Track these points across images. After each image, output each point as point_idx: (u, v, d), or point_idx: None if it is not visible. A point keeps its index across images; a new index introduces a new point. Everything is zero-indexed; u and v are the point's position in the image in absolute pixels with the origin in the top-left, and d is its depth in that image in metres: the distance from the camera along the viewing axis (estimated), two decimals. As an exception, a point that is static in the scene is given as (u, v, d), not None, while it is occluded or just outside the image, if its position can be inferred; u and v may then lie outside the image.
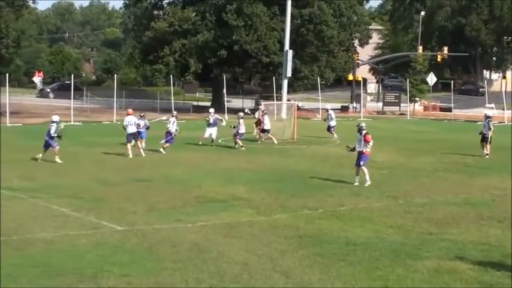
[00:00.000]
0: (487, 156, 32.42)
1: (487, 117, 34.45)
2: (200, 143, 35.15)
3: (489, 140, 32.94)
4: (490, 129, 33.24)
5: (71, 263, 13.14)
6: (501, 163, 30.61)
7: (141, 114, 34.50)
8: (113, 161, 28.83)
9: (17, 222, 16.40)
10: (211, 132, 35.65)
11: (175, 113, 36.18)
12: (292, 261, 13.59)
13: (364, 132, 23.92)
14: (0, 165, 25.22)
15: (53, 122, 28.73)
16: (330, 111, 42.65)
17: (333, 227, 16.74)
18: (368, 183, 23.35)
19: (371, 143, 23.79)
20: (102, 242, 14.91)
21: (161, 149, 32.15)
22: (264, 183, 23.62)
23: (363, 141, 23.76)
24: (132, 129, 31.24)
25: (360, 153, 23.77)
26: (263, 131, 37.81)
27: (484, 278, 12.77)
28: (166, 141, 32.71)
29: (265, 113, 38.55)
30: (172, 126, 33.75)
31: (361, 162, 23.69)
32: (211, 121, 35.92)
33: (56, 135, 28.50)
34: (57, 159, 28.09)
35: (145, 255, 13.93)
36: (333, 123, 41.57)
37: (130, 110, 33.62)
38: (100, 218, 17.23)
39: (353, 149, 24.40)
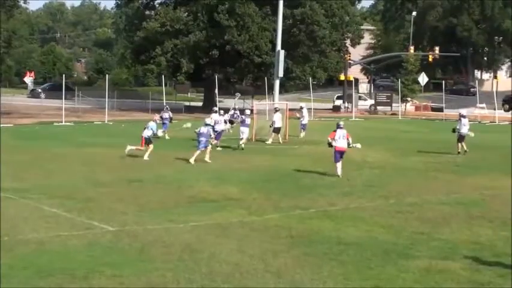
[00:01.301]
0: (465, 154, 32.66)
1: (463, 116, 34.80)
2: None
3: (460, 137, 33.62)
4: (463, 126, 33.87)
5: (62, 264, 13.12)
6: (491, 163, 30.71)
7: (166, 107, 40.78)
8: (105, 162, 28.77)
9: (8, 223, 16.36)
10: (244, 131, 35.17)
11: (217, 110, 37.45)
12: (283, 261, 13.60)
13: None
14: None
15: (206, 124, 29.84)
16: (303, 109, 42.69)
17: (325, 227, 16.76)
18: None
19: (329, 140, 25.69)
20: (94, 242, 14.89)
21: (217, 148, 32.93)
22: (256, 183, 23.63)
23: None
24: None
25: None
26: (275, 130, 37.99)
27: (475, 278, 12.81)
28: (216, 138, 32.94)
29: (277, 110, 38.72)
30: (220, 125, 34.68)
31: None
32: (239, 120, 35.73)
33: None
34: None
35: (137, 255, 13.92)
36: (304, 121, 41.79)
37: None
38: (91, 218, 17.21)
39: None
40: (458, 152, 33.11)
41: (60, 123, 48.55)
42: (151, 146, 30.25)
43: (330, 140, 25.72)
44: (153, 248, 14.48)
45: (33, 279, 12.24)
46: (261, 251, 14.33)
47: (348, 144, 26.01)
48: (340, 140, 25.47)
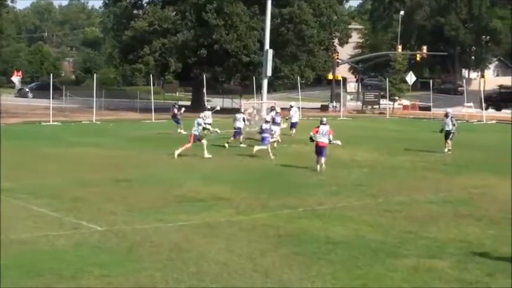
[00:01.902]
0: (449, 152, 32.83)
1: (446, 115, 35.05)
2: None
3: (451, 137, 33.70)
4: (454, 125, 34.09)
5: (50, 264, 13.09)
6: (479, 162, 30.81)
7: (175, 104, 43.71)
8: (93, 161, 28.71)
9: (-3, 223, 16.30)
10: (276, 130, 35.17)
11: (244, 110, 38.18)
12: (272, 261, 13.61)
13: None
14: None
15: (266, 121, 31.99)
16: (292, 108, 42.50)
17: (313, 226, 16.79)
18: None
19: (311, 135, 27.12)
20: (82, 242, 14.86)
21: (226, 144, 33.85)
22: (245, 182, 23.63)
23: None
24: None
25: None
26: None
27: (462, 276, 12.86)
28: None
29: (273, 109, 38.68)
30: (240, 123, 35.18)
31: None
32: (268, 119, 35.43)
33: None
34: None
35: (125, 255, 13.90)
36: (293, 119, 41.73)
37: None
38: (80, 218, 17.17)
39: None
40: (449, 150, 33.23)
41: (48, 123, 48.40)
42: (204, 142, 30.90)
43: (312, 135, 26.95)
44: (142, 247, 14.46)
45: (22, 279, 12.20)
46: (249, 251, 14.34)
47: (329, 140, 26.95)
48: (321, 136, 26.63)
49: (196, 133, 30.85)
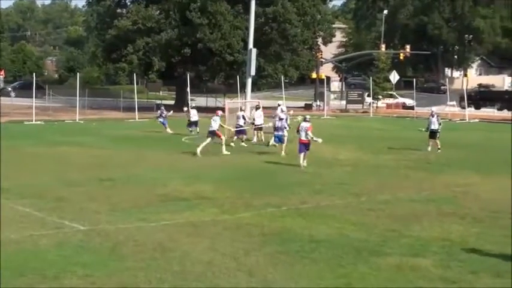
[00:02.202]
0: (439, 151, 32.98)
1: (432, 114, 35.26)
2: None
3: (438, 136, 34.02)
4: (439, 124, 34.38)
5: (33, 264, 13.00)
6: (462, 160, 30.93)
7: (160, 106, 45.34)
8: (76, 161, 28.60)
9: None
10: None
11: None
12: (256, 260, 13.59)
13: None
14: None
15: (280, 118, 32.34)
16: (278, 108, 41.83)
17: (297, 225, 16.78)
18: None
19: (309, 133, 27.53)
20: (65, 241, 14.79)
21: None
22: (229, 181, 23.60)
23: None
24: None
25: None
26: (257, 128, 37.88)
27: (446, 274, 12.88)
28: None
29: (258, 108, 38.57)
30: (241, 120, 35.87)
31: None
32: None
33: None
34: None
35: (108, 255, 13.84)
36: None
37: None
38: (63, 217, 17.07)
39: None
40: (439, 149, 33.35)
41: (31, 122, 48.19)
42: (223, 138, 31.76)
43: (296, 132, 27.90)
44: (125, 247, 14.41)
45: (4, 278, 12.12)
46: (233, 250, 14.31)
47: (309, 137, 27.47)
48: (302, 133, 27.38)
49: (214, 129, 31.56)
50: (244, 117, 35.94)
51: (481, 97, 79.00)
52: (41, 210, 17.98)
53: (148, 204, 19.21)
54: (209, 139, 31.18)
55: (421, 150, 33.49)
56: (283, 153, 30.71)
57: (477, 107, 74.34)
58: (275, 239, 15.30)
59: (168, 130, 41.62)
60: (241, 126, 35.59)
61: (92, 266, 12.94)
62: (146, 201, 19.73)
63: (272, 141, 32.37)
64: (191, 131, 40.69)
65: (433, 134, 34.06)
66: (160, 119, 42.68)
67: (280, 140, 31.45)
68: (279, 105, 42.45)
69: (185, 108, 44.13)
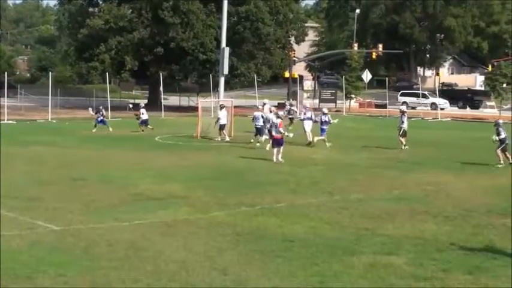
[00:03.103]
0: (406, 147, 33.57)
1: (403, 112, 35.70)
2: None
3: (403, 133, 34.59)
4: (403, 122, 34.80)
5: (5, 264, 12.89)
6: (434, 159, 31.11)
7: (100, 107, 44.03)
8: (48, 160, 28.44)
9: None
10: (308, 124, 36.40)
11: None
12: (230, 259, 13.60)
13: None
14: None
15: (324, 113, 35.78)
16: (264, 106, 41.22)
17: (270, 224, 16.80)
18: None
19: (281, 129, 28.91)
20: (38, 242, 14.70)
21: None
22: (201, 180, 23.58)
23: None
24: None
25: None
26: (221, 127, 37.95)
27: (418, 272, 12.95)
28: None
29: (223, 107, 38.68)
30: (260, 121, 35.80)
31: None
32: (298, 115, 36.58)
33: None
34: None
35: (81, 254, 13.78)
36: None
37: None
38: (35, 217, 16.96)
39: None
40: (405, 145, 33.71)
41: (3, 121, 47.83)
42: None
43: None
44: (98, 246, 14.35)
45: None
46: (207, 249, 14.31)
47: (280, 132, 28.72)
48: (273, 129, 28.83)
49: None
50: (263, 117, 35.89)
51: (444, 95, 79.67)
52: (13, 210, 17.84)
53: (121, 204, 19.15)
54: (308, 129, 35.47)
55: (394, 149, 33.64)
56: (327, 144, 34.28)
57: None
58: (249, 238, 15.31)
59: (110, 129, 42.03)
60: (261, 126, 35.57)
61: (65, 266, 12.88)
62: (119, 200, 19.67)
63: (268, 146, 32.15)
64: (142, 130, 41.13)
65: (403, 131, 34.33)
66: (100, 119, 42.77)
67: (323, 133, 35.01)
68: (264, 104, 42.00)
69: (130, 105, 46.10)
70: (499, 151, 28.73)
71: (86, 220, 16.81)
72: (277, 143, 28.59)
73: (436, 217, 18.07)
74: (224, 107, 39.28)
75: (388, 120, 54.47)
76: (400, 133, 34.33)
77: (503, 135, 28.59)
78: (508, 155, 28.53)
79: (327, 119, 35.49)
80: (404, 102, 68.26)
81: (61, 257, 13.56)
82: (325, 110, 37.03)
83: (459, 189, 22.60)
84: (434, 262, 13.60)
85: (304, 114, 37.04)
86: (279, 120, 29.23)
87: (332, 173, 26.36)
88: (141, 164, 27.81)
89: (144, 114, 42.71)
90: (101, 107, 44.82)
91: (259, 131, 35.48)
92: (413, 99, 77.27)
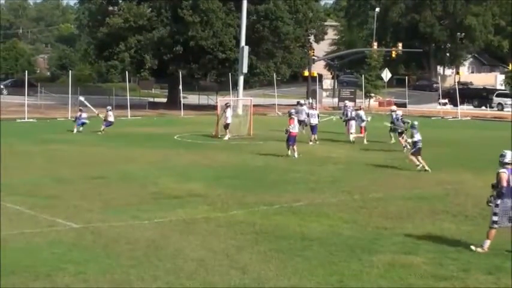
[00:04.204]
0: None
1: (393, 111, 36.77)
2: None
3: (391, 130, 35.70)
4: (392, 122, 35.67)
5: (25, 262, 12.99)
6: (454, 158, 30.99)
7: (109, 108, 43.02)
8: (68, 158, 28.58)
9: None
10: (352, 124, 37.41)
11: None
12: (248, 257, 13.60)
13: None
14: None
15: (392, 111, 36.71)
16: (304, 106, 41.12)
17: (289, 223, 16.80)
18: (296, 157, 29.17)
19: (291, 126, 29.54)
20: (57, 240, 14.77)
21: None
22: (221, 179, 23.61)
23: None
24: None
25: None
26: (225, 126, 37.96)
27: (438, 272, 12.91)
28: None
29: (228, 106, 38.73)
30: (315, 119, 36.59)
31: (289, 142, 29.55)
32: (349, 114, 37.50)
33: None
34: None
35: (101, 252, 13.84)
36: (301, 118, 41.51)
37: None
38: (55, 215, 17.06)
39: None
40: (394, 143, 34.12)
41: (23, 120, 48.10)
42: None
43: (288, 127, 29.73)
44: (117, 245, 14.40)
45: (-4, 277, 12.11)
46: (226, 247, 14.32)
47: (286, 130, 29.71)
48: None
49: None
50: (318, 116, 36.49)
51: (459, 94, 79.26)
52: (33, 208, 17.96)
53: (140, 202, 19.21)
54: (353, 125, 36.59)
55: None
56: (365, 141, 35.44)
57: (455, 104, 74.36)
58: (268, 237, 15.31)
59: (75, 130, 40.49)
60: (316, 125, 36.34)
61: (85, 264, 12.94)
62: (138, 199, 19.74)
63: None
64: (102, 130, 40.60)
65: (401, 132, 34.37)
66: (82, 120, 41.44)
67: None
68: (301, 104, 41.88)
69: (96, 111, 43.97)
70: (410, 155, 27.40)
71: (106, 218, 16.88)
72: (294, 139, 29.67)
73: (456, 216, 18.00)
74: (230, 106, 39.22)
75: (408, 119, 54.14)
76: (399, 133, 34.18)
77: (416, 138, 27.09)
78: (419, 160, 26.83)
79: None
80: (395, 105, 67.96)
81: (81, 255, 13.63)
82: (309, 111, 37.32)
83: (479, 188, 22.42)
84: (454, 262, 13.55)
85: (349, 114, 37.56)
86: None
87: (351, 171, 26.31)
88: (160, 162, 27.89)
89: (110, 117, 41.52)
90: (82, 110, 42.70)
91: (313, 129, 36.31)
92: (508, 100, 76.00)
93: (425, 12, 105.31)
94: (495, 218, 14.50)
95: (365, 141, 36.32)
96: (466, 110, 68.68)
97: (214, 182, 22.92)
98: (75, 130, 40.52)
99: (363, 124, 37.26)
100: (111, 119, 41.32)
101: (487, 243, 14.44)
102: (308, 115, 36.97)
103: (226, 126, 37.93)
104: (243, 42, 55.50)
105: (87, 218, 16.91)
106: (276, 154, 30.32)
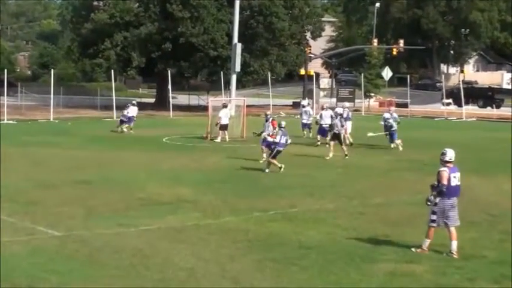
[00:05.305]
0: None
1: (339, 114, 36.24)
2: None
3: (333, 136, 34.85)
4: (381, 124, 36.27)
5: (4, 271, 12.94)
6: (458, 161, 30.92)
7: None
8: (50, 162, 28.52)
9: None
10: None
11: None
12: (241, 267, 13.59)
13: (270, 119, 30.22)
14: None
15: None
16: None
17: (285, 230, 16.79)
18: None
19: (277, 129, 28.33)
20: (39, 248, 14.73)
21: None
22: (212, 184, 23.60)
23: (270, 127, 29.28)
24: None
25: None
26: (222, 127, 38.00)
27: (441, 281, 12.93)
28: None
29: (225, 106, 38.86)
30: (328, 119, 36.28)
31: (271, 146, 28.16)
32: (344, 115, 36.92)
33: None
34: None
35: (84, 262, 13.80)
36: (307, 120, 41.64)
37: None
38: (36, 223, 17.02)
39: (260, 134, 29.65)
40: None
41: (2, 121, 48.03)
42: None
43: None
44: (102, 254, 14.38)
45: (-27, 288, 12.07)
46: (218, 256, 14.31)
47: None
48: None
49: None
50: (332, 116, 36.26)
51: (464, 94, 79.40)
52: (13, 214, 17.90)
53: (127, 208, 19.19)
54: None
55: (415, 152, 33.54)
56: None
57: (459, 104, 74.50)
58: (262, 245, 15.30)
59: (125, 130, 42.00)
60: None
61: (68, 274, 12.91)
62: (124, 205, 19.71)
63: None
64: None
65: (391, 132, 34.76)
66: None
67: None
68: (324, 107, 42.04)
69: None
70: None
71: (90, 226, 16.85)
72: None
73: (461, 222, 17.99)
74: (226, 106, 39.32)
75: (410, 120, 54.30)
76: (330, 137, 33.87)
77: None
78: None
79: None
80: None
81: (63, 264, 13.59)
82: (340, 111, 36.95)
83: (485, 193, 22.52)
84: (458, 271, 13.56)
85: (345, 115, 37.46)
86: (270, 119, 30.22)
87: (350, 176, 26.33)
88: (148, 166, 27.86)
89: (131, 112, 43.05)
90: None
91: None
92: None
93: (428, 7, 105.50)
94: (433, 217, 14.94)
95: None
96: (471, 110, 68.71)
97: (205, 187, 22.90)
98: (125, 129, 42.23)
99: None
100: (130, 114, 42.74)
101: (427, 242, 14.89)
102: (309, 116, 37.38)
103: (222, 127, 37.94)
104: (235, 39, 55.58)
105: (69, 225, 16.87)
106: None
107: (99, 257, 14.17)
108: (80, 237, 15.72)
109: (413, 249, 14.82)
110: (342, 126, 32.66)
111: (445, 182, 14.90)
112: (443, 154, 15.33)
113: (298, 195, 21.79)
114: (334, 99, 77.16)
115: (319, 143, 35.55)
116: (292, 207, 19.76)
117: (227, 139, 37.86)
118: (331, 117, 35.83)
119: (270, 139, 27.56)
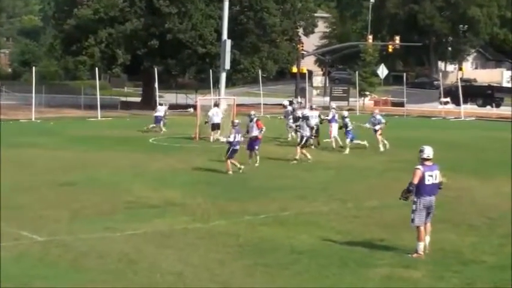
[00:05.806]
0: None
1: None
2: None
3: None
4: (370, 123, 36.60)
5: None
6: (456, 162, 31.08)
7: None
8: (32, 164, 28.48)
9: None
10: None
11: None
12: (231, 271, 13.64)
13: (255, 119, 29.40)
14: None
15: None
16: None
17: (276, 234, 16.83)
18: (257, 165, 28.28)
19: (264, 129, 29.28)
20: (22, 254, 14.74)
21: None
22: (200, 186, 23.63)
23: (255, 127, 28.95)
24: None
25: (255, 138, 28.87)
26: (213, 126, 38.11)
27: (439, 286, 13.00)
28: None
29: (216, 105, 38.93)
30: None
31: (256, 147, 28.77)
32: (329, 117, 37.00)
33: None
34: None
35: (69, 267, 13.83)
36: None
37: None
38: (19, 227, 17.00)
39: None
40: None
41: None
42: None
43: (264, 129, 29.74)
44: (87, 259, 14.40)
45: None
46: (207, 261, 14.35)
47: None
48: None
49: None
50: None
51: (462, 92, 79.55)
52: (-3, 219, 17.90)
53: (113, 212, 19.20)
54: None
55: (411, 152, 33.57)
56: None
57: (457, 104, 74.65)
58: (253, 250, 15.35)
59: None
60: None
61: (52, 280, 12.94)
62: (110, 208, 19.72)
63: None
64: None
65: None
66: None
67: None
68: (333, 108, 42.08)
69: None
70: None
71: (74, 230, 16.85)
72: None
73: (459, 226, 18.09)
74: (218, 105, 39.34)
75: (406, 120, 54.41)
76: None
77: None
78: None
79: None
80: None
81: (47, 270, 13.62)
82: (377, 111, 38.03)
83: (484, 196, 22.61)
84: (456, 275, 13.64)
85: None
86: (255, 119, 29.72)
87: (344, 177, 26.38)
88: (134, 167, 27.86)
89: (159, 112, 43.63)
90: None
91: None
92: None
93: (424, 2, 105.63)
94: (412, 216, 15.20)
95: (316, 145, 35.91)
96: (469, 109, 68.88)
97: (193, 189, 22.92)
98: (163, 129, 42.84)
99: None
100: (157, 113, 43.39)
101: (421, 245, 15.05)
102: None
103: (214, 126, 37.95)
104: (225, 36, 55.38)
105: (53, 229, 16.88)
106: (260, 158, 30.32)
107: (84, 262, 14.19)
108: (64, 242, 15.71)
109: (409, 255, 14.88)
110: (312, 128, 32.48)
111: (415, 180, 15.10)
112: (421, 151, 15.52)
113: (289, 197, 21.83)
114: (327, 98, 77.31)
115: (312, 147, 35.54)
116: (283, 210, 19.81)
117: (221, 139, 37.62)
118: (319, 117, 36.02)
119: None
